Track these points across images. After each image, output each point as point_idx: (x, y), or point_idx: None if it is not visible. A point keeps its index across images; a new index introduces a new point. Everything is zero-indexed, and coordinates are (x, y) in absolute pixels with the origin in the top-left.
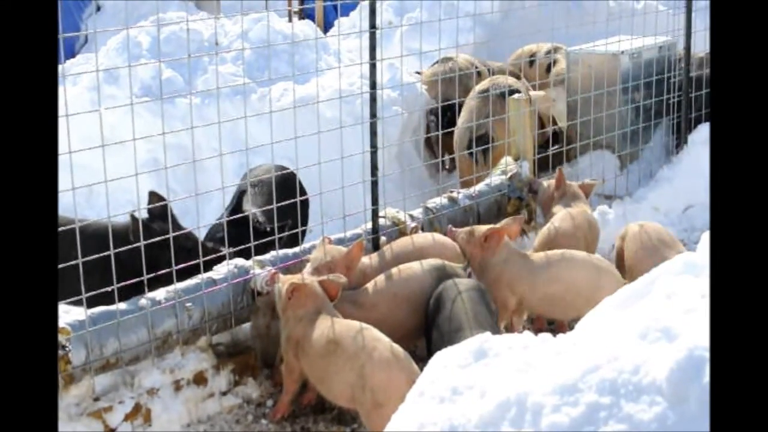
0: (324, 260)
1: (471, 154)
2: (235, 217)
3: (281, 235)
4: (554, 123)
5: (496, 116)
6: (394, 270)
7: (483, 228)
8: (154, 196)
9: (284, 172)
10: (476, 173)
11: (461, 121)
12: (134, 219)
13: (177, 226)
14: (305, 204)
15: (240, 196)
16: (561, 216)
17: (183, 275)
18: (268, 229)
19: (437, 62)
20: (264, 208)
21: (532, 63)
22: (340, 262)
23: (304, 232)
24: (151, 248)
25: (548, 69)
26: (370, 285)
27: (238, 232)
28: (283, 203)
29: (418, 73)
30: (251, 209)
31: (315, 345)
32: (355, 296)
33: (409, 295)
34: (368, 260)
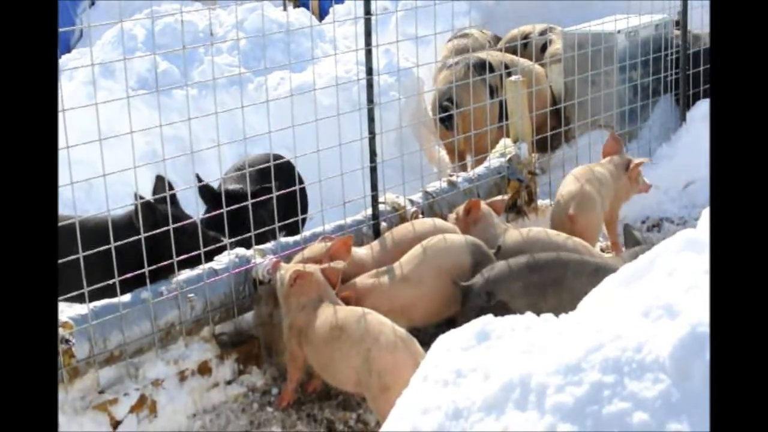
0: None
1: (442, 120)
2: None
3: (282, 223)
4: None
5: (462, 84)
6: (432, 240)
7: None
8: (159, 181)
9: (281, 161)
10: (446, 139)
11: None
12: (138, 198)
13: (180, 211)
14: (295, 192)
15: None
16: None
17: (186, 262)
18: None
19: (455, 37)
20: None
21: (527, 44)
22: (320, 260)
23: (295, 221)
24: (155, 230)
25: (543, 49)
26: (406, 258)
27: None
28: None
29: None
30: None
31: (319, 332)
32: (395, 272)
33: (450, 268)
34: (368, 250)
